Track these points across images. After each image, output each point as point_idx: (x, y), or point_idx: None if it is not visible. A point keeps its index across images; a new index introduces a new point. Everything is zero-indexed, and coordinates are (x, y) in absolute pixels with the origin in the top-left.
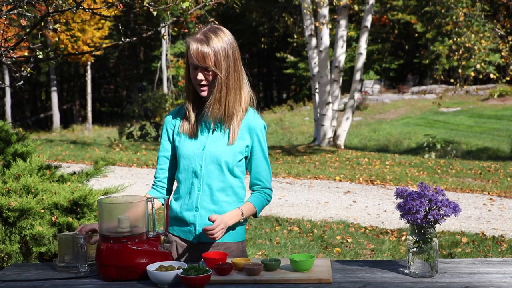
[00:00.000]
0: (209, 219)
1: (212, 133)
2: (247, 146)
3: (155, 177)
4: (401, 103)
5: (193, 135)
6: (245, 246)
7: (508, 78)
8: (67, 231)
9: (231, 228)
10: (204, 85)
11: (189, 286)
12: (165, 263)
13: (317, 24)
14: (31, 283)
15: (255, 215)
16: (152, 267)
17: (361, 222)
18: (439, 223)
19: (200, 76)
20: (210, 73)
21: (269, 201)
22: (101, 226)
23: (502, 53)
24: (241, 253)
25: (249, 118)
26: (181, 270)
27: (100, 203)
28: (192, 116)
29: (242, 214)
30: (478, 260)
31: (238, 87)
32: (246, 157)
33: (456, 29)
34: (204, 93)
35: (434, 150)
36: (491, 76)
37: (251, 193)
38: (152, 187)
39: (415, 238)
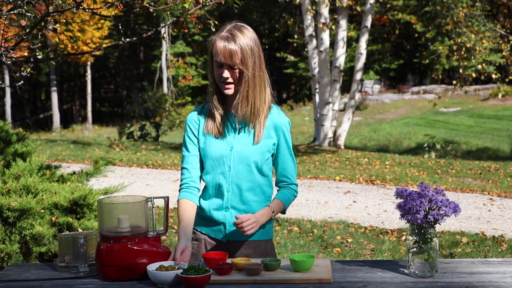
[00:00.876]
0: (236, 219)
1: (239, 133)
2: (274, 144)
3: (185, 178)
4: (401, 103)
5: (219, 136)
6: (273, 244)
7: (511, 77)
8: (67, 231)
9: (261, 226)
10: (229, 83)
11: (189, 286)
12: (165, 263)
13: (320, 25)
14: (31, 283)
15: (283, 211)
16: (152, 267)
17: (361, 222)
18: (439, 223)
19: (226, 74)
20: (237, 70)
21: (295, 197)
22: (101, 226)
23: (503, 53)
24: (270, 251)
25: (274, 116)
26: (181, 270)
27: (100, 203)
28: (218, 116)
29: (273, 211)
30: (478, 260)
31: (263, 84)
32: (272, 155)
33: (457, 30)
34: (229, 91)
35: (434, 150)
36: (493, 76)
37: (278, 190)
38: (183, 190)
39: (415, 238)
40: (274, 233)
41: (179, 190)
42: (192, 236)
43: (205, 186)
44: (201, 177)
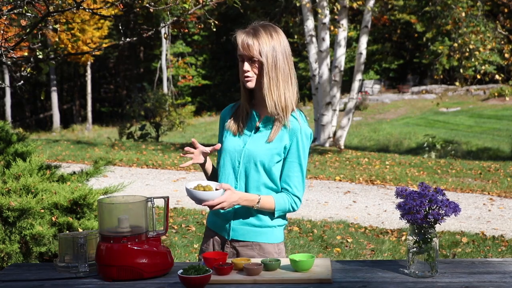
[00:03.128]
0: (221, 187)
1: (255, 132)
2: (285, 148)
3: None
4: (401, 103)
5: (237, 133)
6: (283, 248)
7: None
8: (67, 231)
9: (268, 228)
10: (249, 76)
11: (189, 286)
12: (203, 182)
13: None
14: (31, 283)
15: (272, 212)
16: (190, 186)
17: (361, 222)
18: (439, 223)
19: (246, 66)
20: (256, 63)
21: (293, 209)
22: (101, 226)
23: (506, 54)
24: (277, 255)
25: (294, 120)
26: (221, 191)
27: (100, 203)
28: (242, 115)
29: (258, 202)
30: (478, 260)
31: (288, 80)
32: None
33: (460, 31)
34: (249, 84)
35: (434, 150)
36: (497, 77)
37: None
38: None
39: (415, 238)
40: None
41: None
42: (205, 232)
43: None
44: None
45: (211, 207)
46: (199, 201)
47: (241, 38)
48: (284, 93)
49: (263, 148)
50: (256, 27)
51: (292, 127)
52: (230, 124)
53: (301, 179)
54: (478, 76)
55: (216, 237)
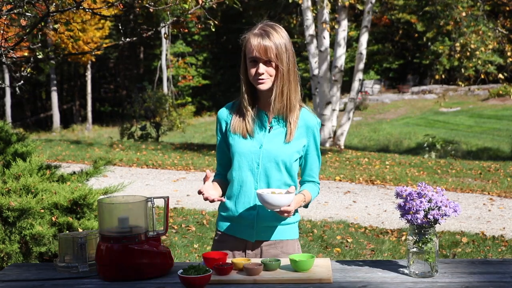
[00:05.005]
0: (289, 191)
1: (269, 132)
2: (304, 146)
3: (217, 170)
4: (401, 103)
5: (249, 134)
6: (299, 244)
7: None
8: (67, 231)
9: (287, 226)
10: (263, 79)
11: (189, 286)
12: (276, 190)
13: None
14: (31, 283)
15: (306, 205)
16: (261, 191)
17: (361, 222)
18: (439, 223)
19: (262, 69)
20: (272, 66)
21: (318, 193)
22: (101, 226)
23: (508, 53)
24: (297, 250)
25: (306, 116)
26: (293, 195)
27: (100, 203)
28: (248, 116)
29: (304, 201)
30: (478, 260)
31: (297, 81)
32: (301, 157)
33: (460, 30)
34: (264, 86)
35: (434, 150)
36: (500, 76)
37: (305, 183)
38: (215, 177)
39: (415, 238)
40: None
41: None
42: (215, 238)
43: (231, 184)
44: (227, 175)
45: (283, 212)
46: (273, 206)
47: (257, 41)
48: (295, 93)
49: (282, 147)
50: (266, 29)
51: (308, 125)
52: (236, 126)
53: (319, 166)
54: (482, 76)
55: (234, 240)
